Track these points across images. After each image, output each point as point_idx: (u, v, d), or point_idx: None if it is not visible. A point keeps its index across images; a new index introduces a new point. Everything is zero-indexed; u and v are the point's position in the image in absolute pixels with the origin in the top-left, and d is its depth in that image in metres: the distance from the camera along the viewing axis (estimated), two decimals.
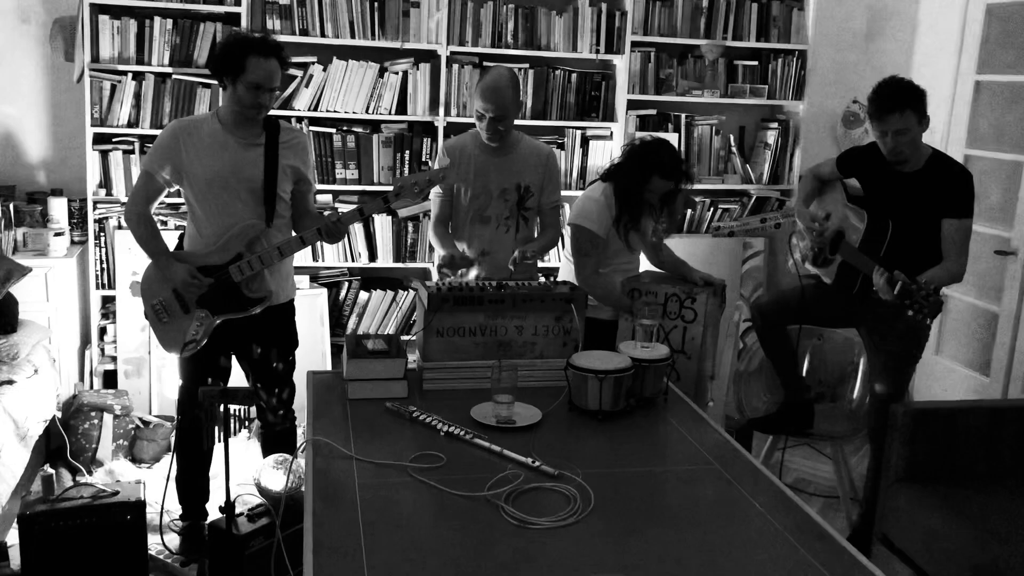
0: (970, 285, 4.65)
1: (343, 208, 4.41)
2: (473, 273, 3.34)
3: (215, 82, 4.14)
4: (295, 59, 4.32)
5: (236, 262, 3.02)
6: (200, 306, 3.06)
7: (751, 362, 4.14)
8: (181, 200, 3.86)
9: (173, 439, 4.10)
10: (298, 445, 3.27)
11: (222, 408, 2.72)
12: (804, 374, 3.86)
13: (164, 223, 4.16)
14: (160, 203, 3.26)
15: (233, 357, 3.29)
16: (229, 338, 3.17)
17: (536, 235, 3.54)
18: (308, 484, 2.12)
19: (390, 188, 3.03)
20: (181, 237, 3.22)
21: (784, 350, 3.62)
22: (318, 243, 4.15)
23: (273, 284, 3.13)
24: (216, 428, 2.79)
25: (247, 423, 4.28)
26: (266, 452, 3.33)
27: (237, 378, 3.34)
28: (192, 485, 3.39)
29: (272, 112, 3.12)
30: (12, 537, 3.20)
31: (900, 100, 3.09)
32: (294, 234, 3.16)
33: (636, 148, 3.44)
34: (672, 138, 4.75)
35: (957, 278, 3.19)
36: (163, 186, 3.10)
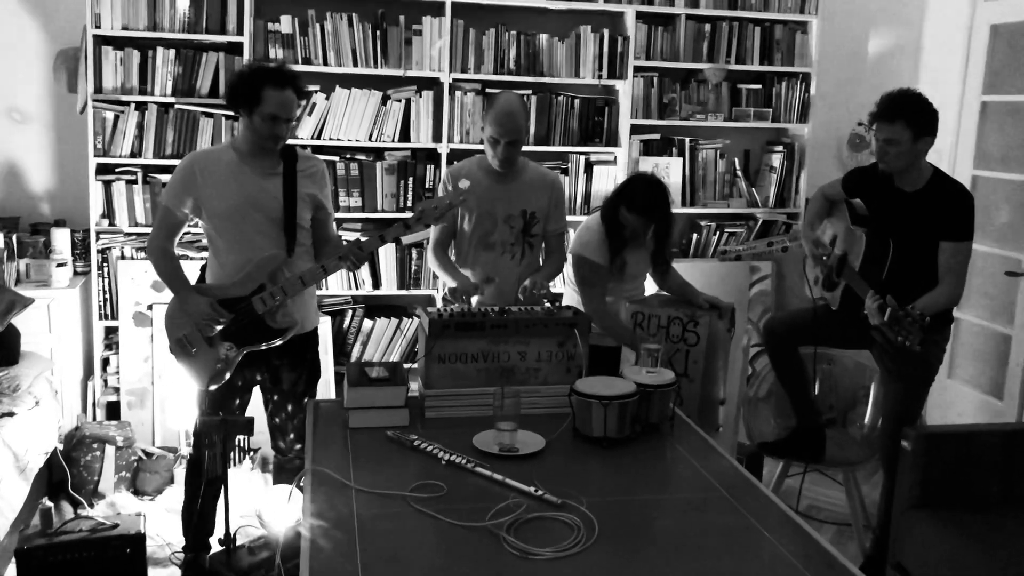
0: (982, 307, 4.60)
1: (347, 236, 4.39)
2: (476, 299, 3.30)
3: (218, 112, 4.17)
4: None
5: (258, 293, 3.00)
6: (224, 339, 3.03)
7: (760, 387, 4.09)
8: (199, 231, 3.85)
9: (180, 470, 4.07)
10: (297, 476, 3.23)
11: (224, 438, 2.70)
12: (814, 398, 3.81)
13: (183, 258, 4.15)
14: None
15: (256, 388, 3.26)
16: (252, 369, 3.15)
17: (541, 262, 3.51)
18: (306, 516, 2.07)
19: (399, 215, 3.02)
20: (203, 269, 3.20)
21: (796, 374, 3.57)
22: (358, 269, 4.11)
23: (298, 313, 3.11)
24: (224, 458, 2.77)
25: (250, 454, 4.23)
26: (277, 482, 3.28)
27: (253, 410, 3.30)
28: (204, 517, 3.33)
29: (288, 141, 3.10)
30: (10, 572, 3.16)
31: (895, 110, 3.07)
32: (314, 263, 3.13)
33: (625, 179, 3.59)
34: (676, 163, 4.73)
35: (953, 302, 3.15)
36: (183, 220, 3.08)
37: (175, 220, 3.08)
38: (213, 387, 3.07)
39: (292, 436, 3.25)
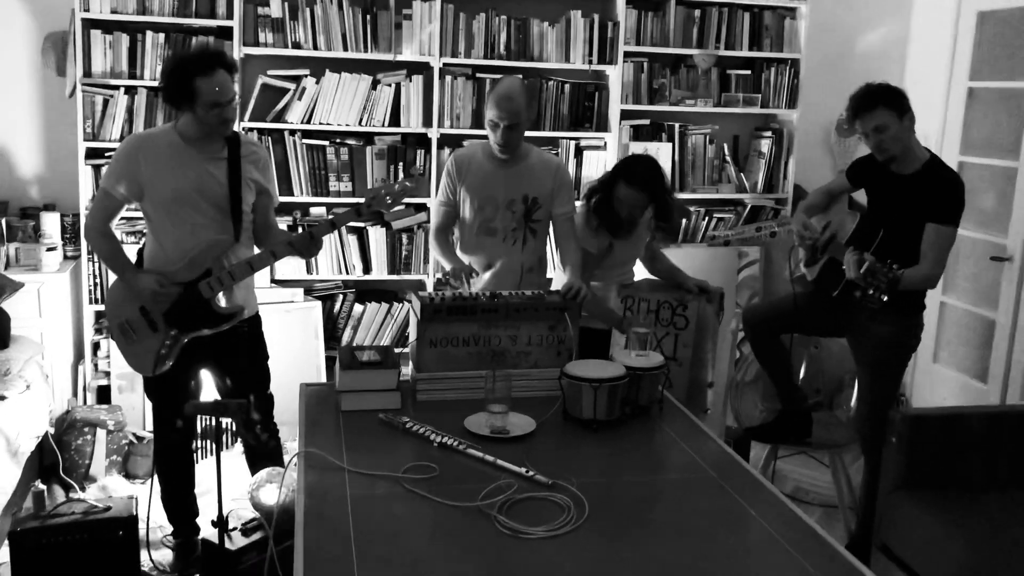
0: (967, 292, 4.64)
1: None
2: (476, 284, 3.31)
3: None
4: (288, 72, 4.32)
5: (205, 278, 2.97)
6: (169, 324, 3.00)
7: (747, 372, 4.13)
8: (135, 215, 3.80)
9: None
10: (289, 457, 3.24)
11: (214, 422, 2.71)
12: (801, 382, 3.84)
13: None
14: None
15: (202, 374, 3.24)
16: (197, 355, 3.11)
17: (546, 248, 3.52)
18: (300, 496, 2.09)
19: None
20: (140, 253, 3.12)
21: (778, 359, 3.59)
22: (311, 257, 4.11)
23: (240, 298, 3.09)
24: (205, 443, 2.77)
25: (239, 437, 4.24)
26: (253, 467, 3.28)
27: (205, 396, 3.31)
28: (178, 502, 3.35)
29: (252, 125, 3.06)
30: (3, 554, 3.17)
31: (870, 99, 3.13)
32: (257, 249, 3.11)
33: (619, 161, 3.58)
34: (666, 148, 4.75)
35: (929, 283, 3.18)
36: (121, 203, 3.02)
37: (113, 203, 3.01)
38: (156, 373, 3.04)
39: (255, 418, 3.23)
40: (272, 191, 3.18)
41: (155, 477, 3.28)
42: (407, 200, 4.15)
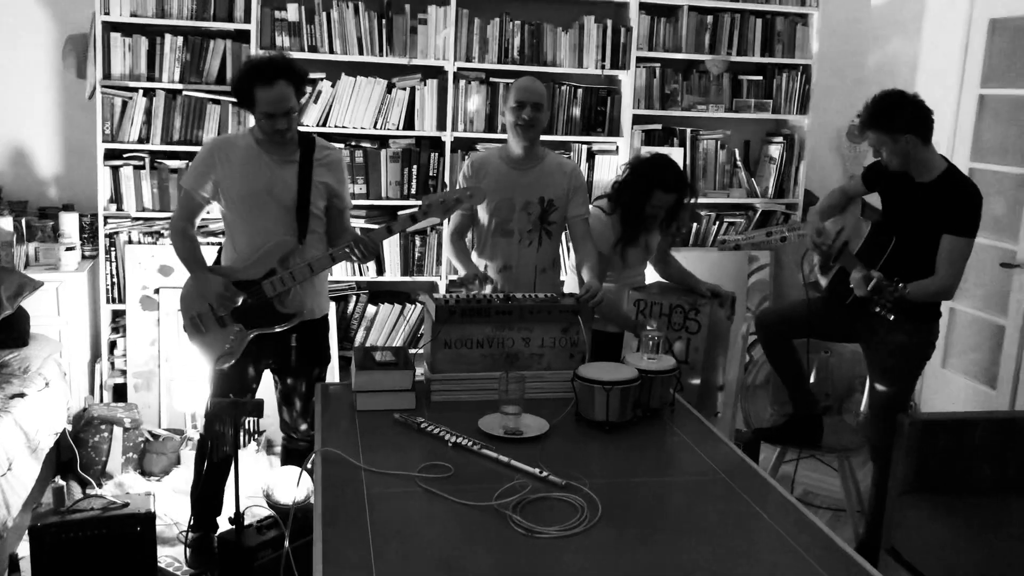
0: (976, 298, 4.66)
1: (351, 223, 4.44)
2: (488, 288, 3.34)
3: (225, 99, 4.21)
4: None
5: (269, 277, 3.07)
6: (235, 320, 3.10)
7: (758, 375, 4.15)
8: (213, 217, 3.90)
9: (186, 451, 4.14)
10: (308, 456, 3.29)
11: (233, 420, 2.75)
12: (811, 387, 3.86)
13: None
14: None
15: (267, 371, 3.32)
16: (263, 352, 3.21)
17: (560, 250, 3.55)
18: (317, 495, 2.13)
19: (403, 203, 3.06)
20: (219, 252, 3.27)
21: (791, 364, 3.61)
22: (368, 261, 4.15)
23: (307, 299, 3.17)
24: (233, 440, 2.82)
25: (255, 435, 4.29)
26: (285, 463, 3.36)
27: (264, 393, 3.36)
28: (210, 497, 3.40)
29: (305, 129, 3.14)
30: (23, 549, 3.22)
31: (866, 120, 3.16)
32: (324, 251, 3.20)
33: (638, 164, 3.53)
34: (677, 152, 4.78)
35: (943, 294, 3.19)
36: (202, 203, 3.15)
37: (194, 203, 3.14)
38: (223, 366, 3.14)
39: (301, 419, 3.32)
40: (344, 196, 3.26)
41: (200, 468, 3.34)
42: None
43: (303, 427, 3.33)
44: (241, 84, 3.00)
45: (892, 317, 2.95)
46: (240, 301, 3.07)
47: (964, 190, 3.16)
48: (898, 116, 3.10)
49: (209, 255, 3.28)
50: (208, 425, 3.26)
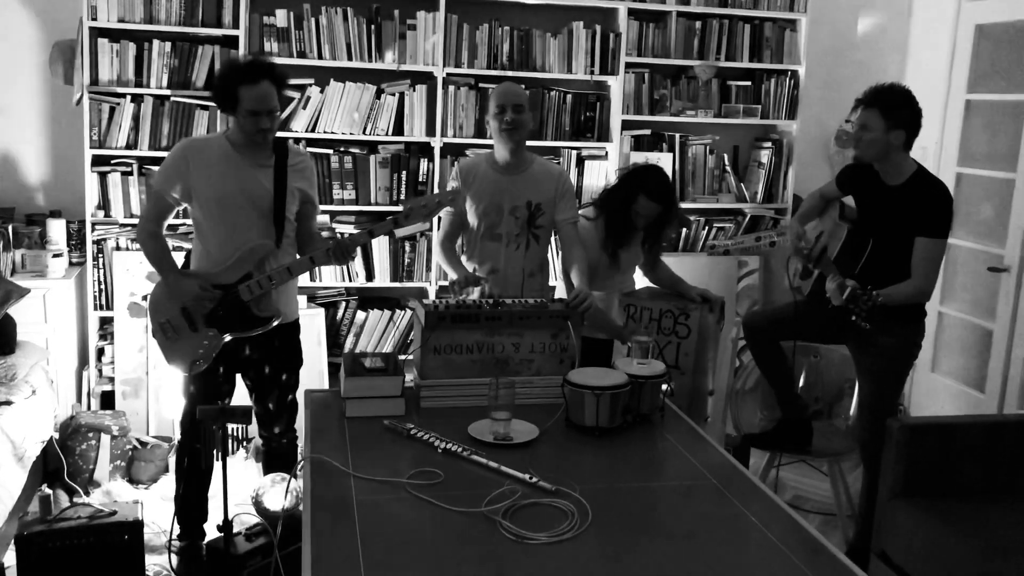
0: (965, 302, 4.68)
1: (341, 229, 4.44)
2: (476, 292, 3.35)
3: (213, 104, 4.19)
4: (293, 81, 4.34)
5: (245, 281, 3.05)
6: (208, 325, 3.08)
7: (747, 380, 4.15)
8: (182, 221, 3.89)
9: (173, 459, 4.11)
10: (296, 463, 3.28)
11: (220, 427, 2.73)
12: (800, 391, 3.87)
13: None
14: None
15: (238, 376, 3.31)
16: (235, 357, 3.19)
17: (548, 254, 3.56)
18: (306, 502, 2.12)
19: (392, 208, 3.05)
20: (187, 256, 3.24)
21: (779, 367, 3.62)
22: (345, 264, 4.15)
23: (280, 303, 3.16)
24: (215, 447, 2.80)
25: (244, 442, 4.27)
26: (267, 470, 3.34)
27: (239, 398, 3.35)
28: (193, 505, 3.38)
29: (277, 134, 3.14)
30: (10, 558, 3.20)
31: (874, 98, 3.17)
32: (299, 255, 3.18)
33: (628, 171, 3.61)
34: (666, 158, 4.79)
35: (920, 297, 3.21)
36: (173, 205, 3.13)
37: (164, 205, 3.12)
38: (194, 372, 3.11)
39: (278, 423, 3.32)
40: (315, 200, 3.27)
41: (178, 476, 3.32)
42: None
43: (277, 429, 3.33)
44: (224, 83, 2.98)
45: (868, 326, 2.96)
46: (216, 299, 3.04)
47: (934, 192, 3.19)
48: (902, 109, 3.14)
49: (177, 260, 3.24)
50: (189, 432, 3.24)
